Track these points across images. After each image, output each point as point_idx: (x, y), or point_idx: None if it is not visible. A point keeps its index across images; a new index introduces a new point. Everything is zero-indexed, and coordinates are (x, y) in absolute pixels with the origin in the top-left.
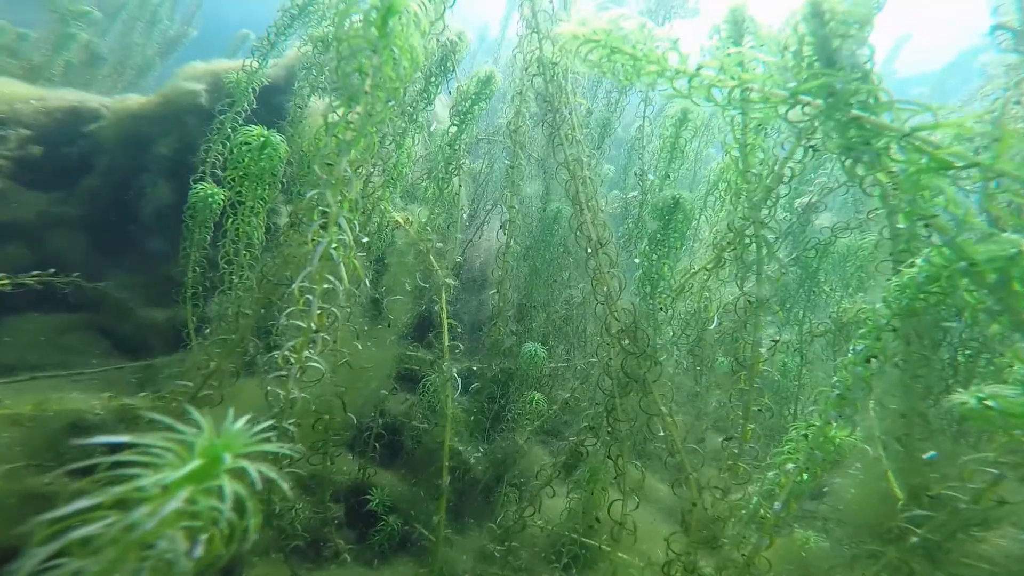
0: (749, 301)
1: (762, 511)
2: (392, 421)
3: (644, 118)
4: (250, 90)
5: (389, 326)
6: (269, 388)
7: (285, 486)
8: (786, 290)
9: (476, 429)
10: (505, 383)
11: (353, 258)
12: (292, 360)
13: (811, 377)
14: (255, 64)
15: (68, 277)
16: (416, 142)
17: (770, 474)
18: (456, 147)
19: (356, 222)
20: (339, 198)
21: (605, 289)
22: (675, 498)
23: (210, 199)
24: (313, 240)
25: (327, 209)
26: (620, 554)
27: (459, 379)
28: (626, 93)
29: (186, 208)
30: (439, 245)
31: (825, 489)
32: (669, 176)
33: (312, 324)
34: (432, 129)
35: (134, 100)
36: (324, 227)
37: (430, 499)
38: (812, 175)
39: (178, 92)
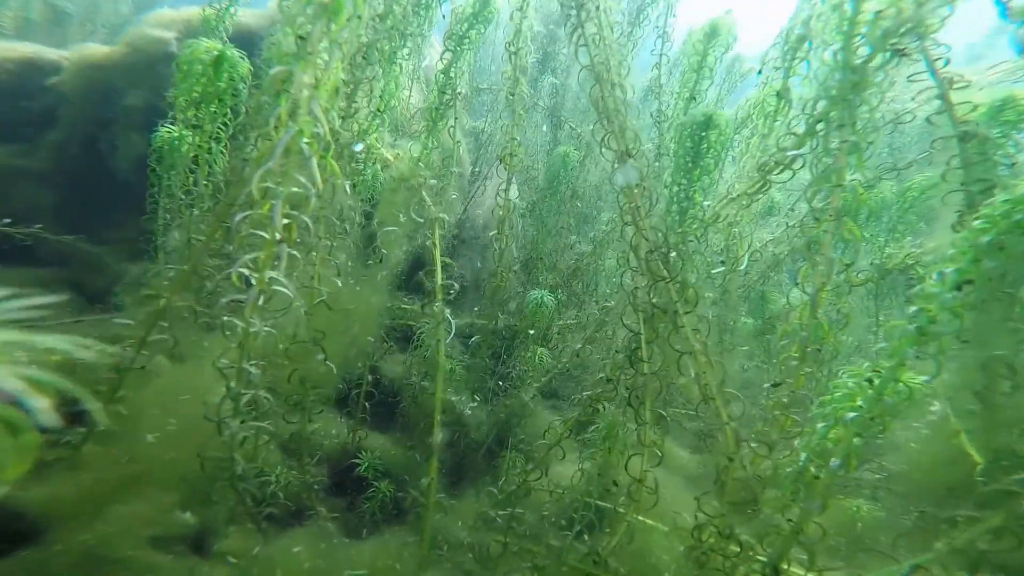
0: (817, 219)
1: (812, 470)
2: (387, 382)
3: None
4: (221, 29)
5: (381, 261)
6: (226, 318)
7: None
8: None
9: (477, 387)
10: (509, 339)
11: (331, 159)
12: (252, 280)
13: (849, 332)
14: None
15: (28, 228)
16: (410, 69)
17: (820, 426)
18: (451, 75)
19: (336, 114)
20: (312, 78)
21: (633, 207)
22: (699, 466)
23: (176, 142)
24: (276, 128)
25: (298, 95)
26: (640, 518)
27: (460, 335)
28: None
29: (151, 152)
30: (432, 182)
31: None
32: (695, 98)
33: (276, 234)
34: (426, 64)
35: (96, 50)
36: (293, 115)
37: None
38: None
39: (146, 40)
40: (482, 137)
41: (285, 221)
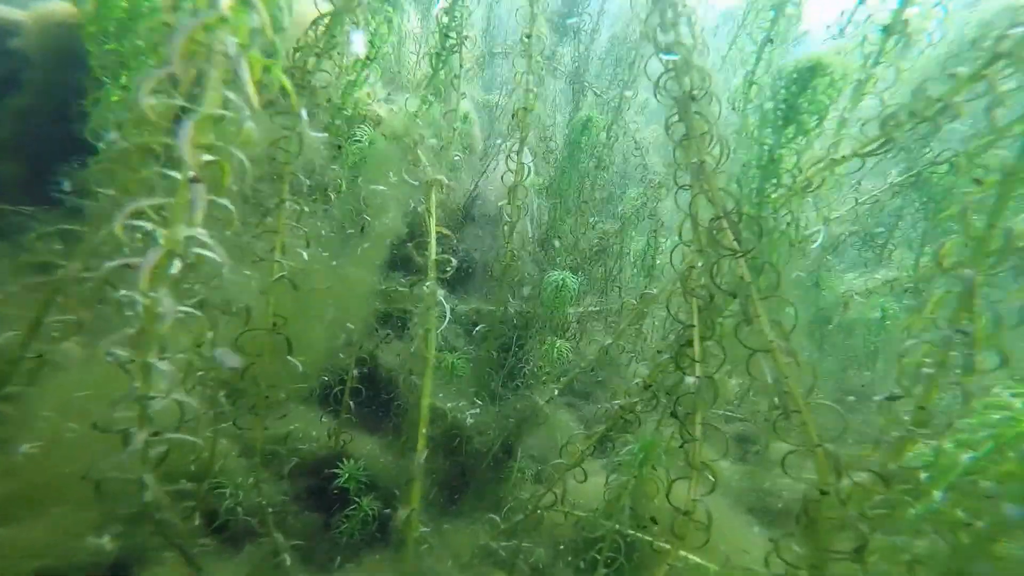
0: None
1: (961, 514)
2: (384, 375)
3: None
4: None
5: (363, 230)
6: (122, 293)
7: None
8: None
9: (483, 386)
10: (521, 328)
11: (281, 74)
12: (150, 229)
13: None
14: None
15: None
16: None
17: (967, 456)
18: (457, 14)
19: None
20: None
21: (695, 163)
22: (743, 479)
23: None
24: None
25: None
26: (686, 554)
27: (464, 323)
28: None
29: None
30: (432, 141)
31: None
32: (772, 40)
33: (188, 170)
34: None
35: (59, 7)
36: None
37: (423, 473)
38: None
39: None
40: (496, 111)
41: (207, 158)
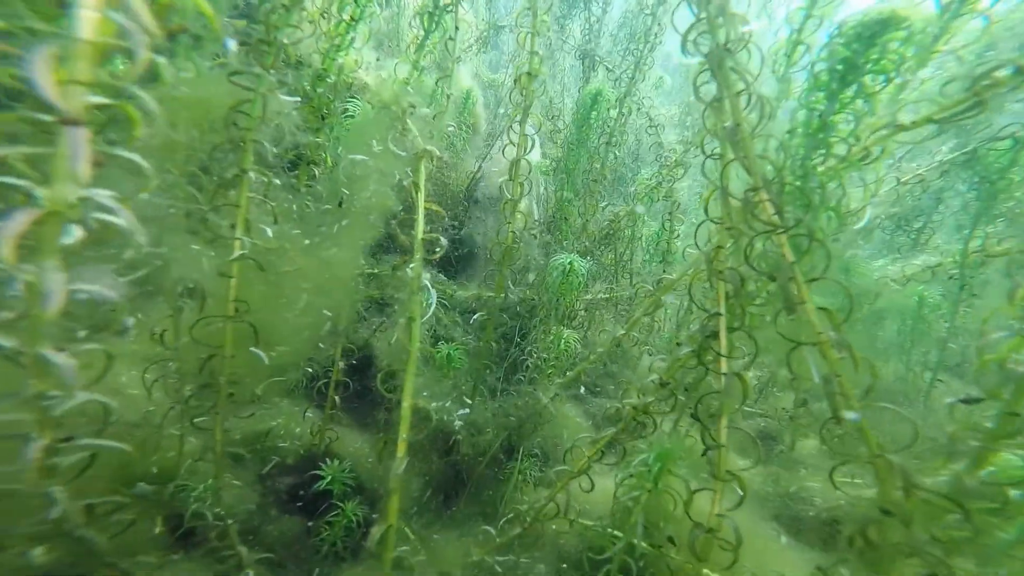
0: None
1: None
2: (377, 364)
3: None
4: None
5: (340, 205)
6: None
7: None
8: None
9: (481, 379)
10: (525, 316)
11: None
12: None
13: (972, 314)
14: None
15: None
16: None
17: None
18: None
19: None
20: None
21: (728, 127)
22: (766, 482)
23: None
24: None
25: None
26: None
27: (464, 310)
28: None
29: None
30: (425, 111)
31: None
32: None
33: (60, 111)
34: None
35: None
36: None
37: (414, 474)
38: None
39: None
40: (501, 91)
41: (100, 100)
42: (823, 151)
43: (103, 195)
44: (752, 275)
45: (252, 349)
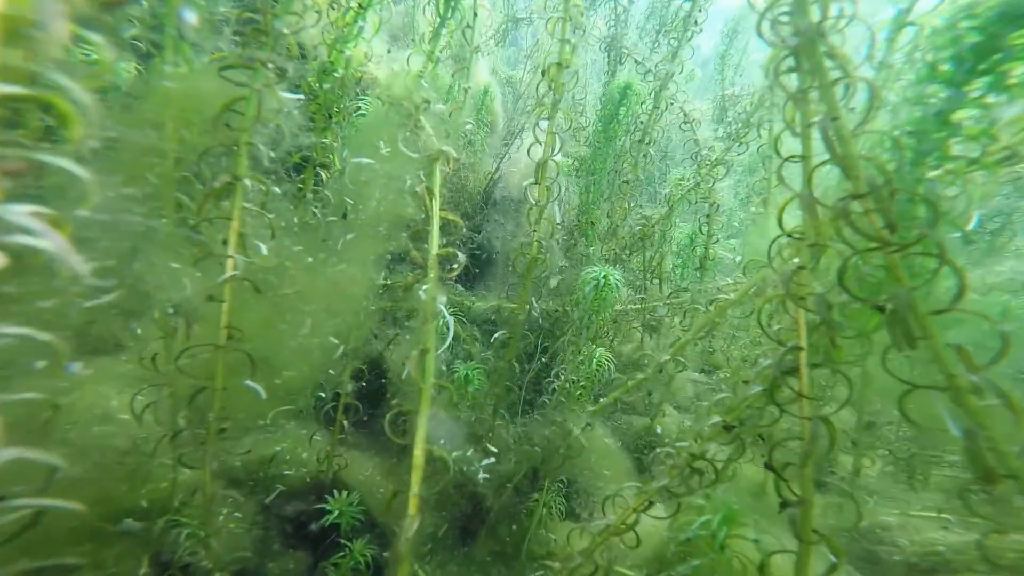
0: None
1: None
2: (391, 381)
3: None
4: None
5: (345, 217)
6: None
7: None
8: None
9: (500, 402)
10: (549, 331)
11: None
12: None
13: None
14: None
15: None
16: None
17: None
18: None
19: None
20: None
21: (824, 119)
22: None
23: None
24: None
25: None
26: None
27: (482, 323)
28: None
29: None
30: (440, 107)
31: None
32: None
33: None
34: None
35: None
36: None
37: (430, 509)
38: None
39: None
40: (521, 87)
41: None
42: (937, 153)
43: (17, 213)
44: (847, 302)
45: (247, 383)
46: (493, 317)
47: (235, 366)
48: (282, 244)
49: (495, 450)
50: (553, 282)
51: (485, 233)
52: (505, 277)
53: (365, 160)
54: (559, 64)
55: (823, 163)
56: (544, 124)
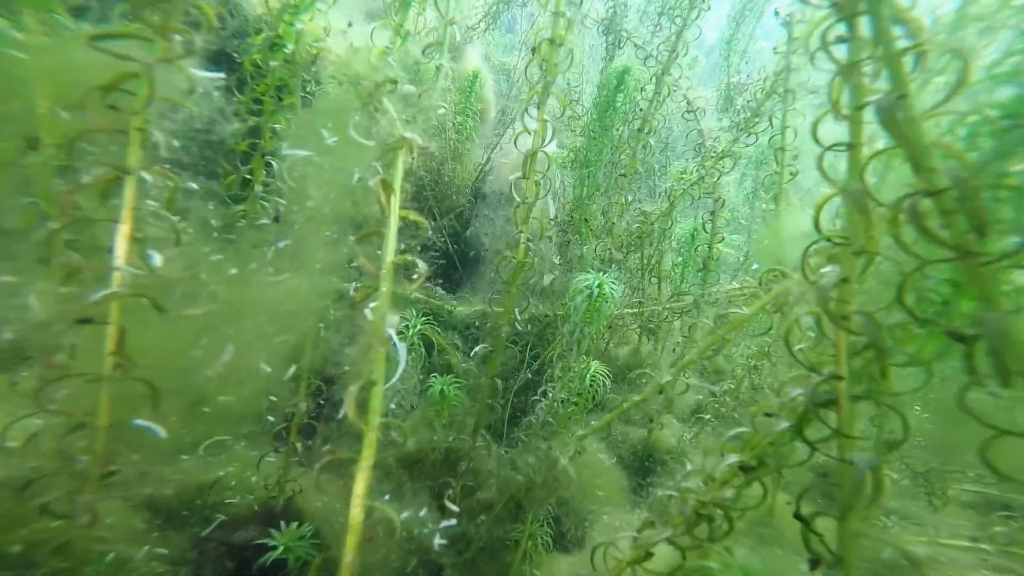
0: None
1: None
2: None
3: None
4: None
5: (277, 220)
6: None
7: None
8: None
9: (481, 422)
10: (537, 339)
11: None
12: None
13: None
14: None
15: None
16: None
17: None
18: None
19: None
20: None
21: (884, 97)
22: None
23: None
24: None
25: None
26: None
27: (464, 329)
28: None
29: None
30: (409, 87)
31: None
32: None
33: None
34: None
35: None
36: None
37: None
38: None
39: None
40: (514, 75)
41: None
42: None
43: None
44: (903, 323)
45: (138, 422)
46: (476, 323)
47: (133, 398)
48: (198, 252)
49: (456, 509)
50: (547, 279)
51: (474, 229)
52: (491, 275)
53: (301, 152)
54: (552, 40)
55: (880, 152)
56: (534, 110)
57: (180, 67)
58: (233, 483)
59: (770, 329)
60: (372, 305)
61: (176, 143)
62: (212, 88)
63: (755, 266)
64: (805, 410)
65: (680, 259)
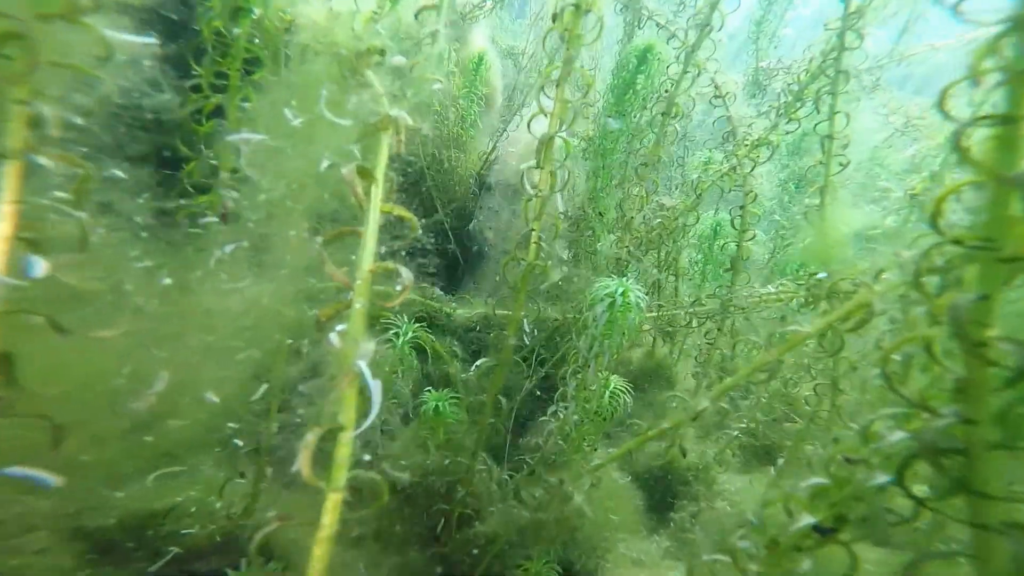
0: None
1: None
2: None
3: None
4: None
5: (225, 218)
6: None
7: None
8: None
9: (481, 444)
10: (544, 344)
11: None
12: None
13: None
14: None
15: None
16: None
17: None
18: None
19: None
20: None
21: None
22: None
23: None
24: None
25: None
26: None
27: (464, 334)
28: None
29: None
30: (399, 58)
31: None
32: None
33: None
34: None
35: None
36: None
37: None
38: None
39: None
40: (522, 59)
41: None
42: None
43: None
44: None
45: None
46: (476, 328)
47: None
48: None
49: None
50: (555, 275)
51: (477, 223)
52: (496, 275)
53: (255, 136)
54: (576, 6)
55: None
56: (551, 89)
57: (88, 27)
58: (193, 510)
59: (840, 351)
60: (340, 328)
61: (83, 121)
62: (159, 61)
63: (822, 274)
64: (911, 458)
65: (700, 256)
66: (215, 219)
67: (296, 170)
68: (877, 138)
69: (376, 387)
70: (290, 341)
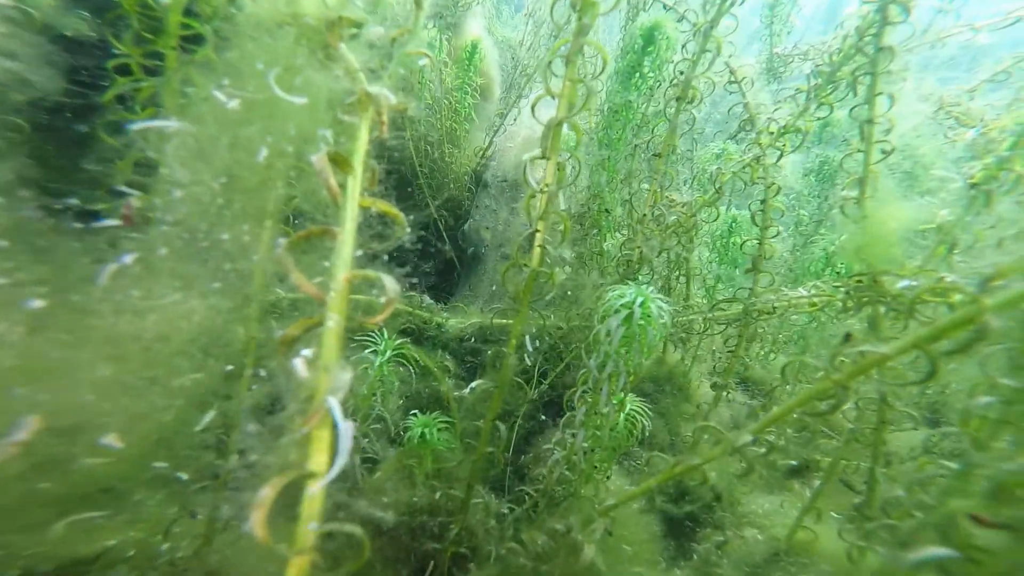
0: None
1: None
2: None
3: None
4: None
5: (128, 221)
6: None
7: None
8: None
9: (476, 475)
10: (546, 357)
11: None
12: None
13: None
14: None
15: None
16: None
17: None
18: None
19: None
20: None
21: None
22: None
23: None
24: None
25: None
26: None
27: (459, 345)
28: None
29: None
30: (376, 29)
31: None
32: None
33: None
34: None
35: None
36: None
37: None
38: None
39: None
40: (520, 51)
41: None
42: None
43: None
44: None
45: None
46: (471, 339)
47: None
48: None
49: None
50: (561, 273)
51: (473, 222)
52: (494, 279)
53: (170, 123)
54: None
55: None
56: (558, 69)
57: None
58: (131, 553)
59: (931, 377)
60: (305, 353)
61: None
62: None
63: (905, 281)
64: None
65: (715, 256)
66: (116, 223)
67: (241, 162)
68: (919, 124)
69: (347, 431)
70: (230, 367)
